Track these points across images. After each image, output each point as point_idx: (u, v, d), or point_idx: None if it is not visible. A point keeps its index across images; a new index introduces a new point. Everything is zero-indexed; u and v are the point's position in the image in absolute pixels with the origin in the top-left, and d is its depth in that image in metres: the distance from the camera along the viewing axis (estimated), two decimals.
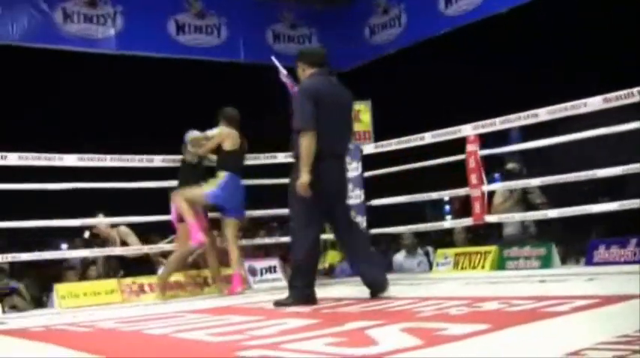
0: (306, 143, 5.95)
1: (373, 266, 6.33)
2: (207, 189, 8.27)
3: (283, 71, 9.74)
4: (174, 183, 8.81)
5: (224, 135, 8.46)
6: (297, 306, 5.78)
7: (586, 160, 8.12)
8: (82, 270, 10.17)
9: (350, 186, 9.23)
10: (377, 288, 6.13)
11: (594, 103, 7.38)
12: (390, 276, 7.63)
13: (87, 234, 9.80)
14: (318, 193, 5.98)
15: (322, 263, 10.27)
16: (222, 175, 8.29)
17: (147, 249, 9.24)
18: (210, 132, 8.53)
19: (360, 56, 11.98)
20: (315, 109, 5.98)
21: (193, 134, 8.68)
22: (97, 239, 9.57)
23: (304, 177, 5.92)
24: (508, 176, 8.93)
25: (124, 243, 9.37)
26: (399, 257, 10.50)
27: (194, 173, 8.65)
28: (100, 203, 9.67)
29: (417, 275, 9.18)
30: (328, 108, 6.06)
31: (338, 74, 11.87)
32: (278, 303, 5.99)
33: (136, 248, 9.21)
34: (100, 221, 9.36)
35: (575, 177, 7.72)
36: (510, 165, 8.71)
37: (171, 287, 8.61)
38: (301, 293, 6.01)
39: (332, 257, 10.70)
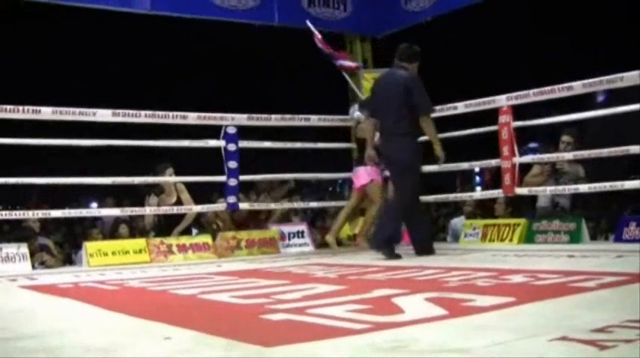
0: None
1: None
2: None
3: (318, 35, 9.74)
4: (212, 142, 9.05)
5: None
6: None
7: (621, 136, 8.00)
8: (113, 228, 10.20)
9: None
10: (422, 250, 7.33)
11: (631, 78, 7.28)
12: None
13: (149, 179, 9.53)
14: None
15: (352, 230, 10.25)
16: None
17: (176, 209, 9.22)
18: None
19: (395, 23, 11.86)
20: (371, 99, 7.72)
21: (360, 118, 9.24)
22: (160, 192, 9.47)
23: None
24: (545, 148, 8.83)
25: (179, 199, 9.36)
26: (458, 222, 10.21)
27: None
28: (130, 163, 9.71)
29: (445, 246, 9.15)
30: (378, 96, 7.49)
31: (372, 40, 11.87)
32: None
33: (166, 208, 9.21)
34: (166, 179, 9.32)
35: (608, 153, 7.63)
36: (565, 138, 8.55)
37: (200, 248, 8.70)
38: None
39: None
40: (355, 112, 9.41)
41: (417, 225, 7.51)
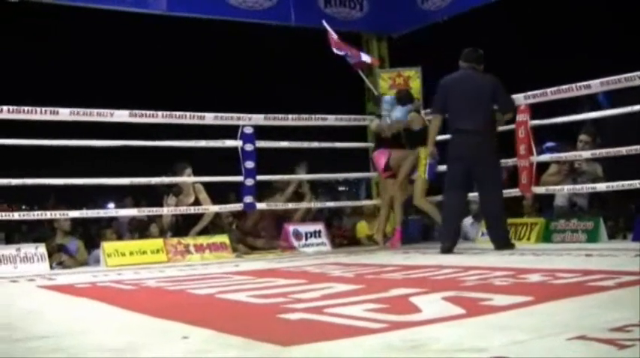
0: (431, 124, 8.07)
1: (495, 227, 7.69)
2: (424, 175, 9.04)
3: (334, 35, 9.74)
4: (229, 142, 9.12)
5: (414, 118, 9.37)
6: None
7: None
8: (143, 227, 10.24)
9: None
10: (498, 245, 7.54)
11: None
12: (432, 245, 7.67)
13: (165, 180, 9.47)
14: (451, 160, 7.71)
15: (371, 230, 10.23)
16: (425, 155, 8.85)
17: (193, 210, 9.21)
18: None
19: (411, 22, 11.82)
20: (441, 98, 7.75)
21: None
22: (178, 193, 9.43)
23: (428, 148, 8.16)
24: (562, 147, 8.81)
25: (196, 199, 9.37)
26: (466, 223, 10.21)
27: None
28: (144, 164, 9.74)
29: (461, 245, 9.13)
30: (454, 96, 7.63)
31: (388, 39, 11.84)
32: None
33: (183, 208, 9.20)
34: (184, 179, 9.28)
35: (626, 151, 7.59)
36: (583, 136, 8.52)
37: (217, 248, 8.73)
38: (441, 242, 7.69)
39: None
40: (388, 119, 9.44)
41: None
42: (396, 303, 3.62)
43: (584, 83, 7.89)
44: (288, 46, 15.19)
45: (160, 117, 8.72)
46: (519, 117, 8.39)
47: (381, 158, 9.32)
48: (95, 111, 8.35)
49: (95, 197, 18.25)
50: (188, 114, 8.84)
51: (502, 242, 7.54)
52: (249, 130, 9.10)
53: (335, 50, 9.75)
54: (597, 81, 7.76)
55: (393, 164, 9.25)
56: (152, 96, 16.41)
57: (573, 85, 8.01)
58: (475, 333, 2.77)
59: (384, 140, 9.43)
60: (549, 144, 9.09)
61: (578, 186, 8.30)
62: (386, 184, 9.57)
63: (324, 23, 9.87)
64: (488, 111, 7.67)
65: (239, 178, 9.11)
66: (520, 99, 8.40)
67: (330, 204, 11.02)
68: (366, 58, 10.04)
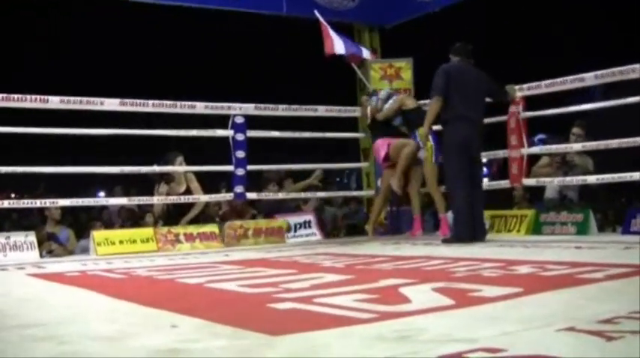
0: (432, 106, 7.70)
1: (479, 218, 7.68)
2: (432, 158, 8.70)
3: (326, 24, 9.71)
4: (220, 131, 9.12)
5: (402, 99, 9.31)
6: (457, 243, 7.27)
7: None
8: (138, 217, 10.23)
9: None
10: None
11: None
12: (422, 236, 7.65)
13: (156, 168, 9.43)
14: (456, 147, 7.51)
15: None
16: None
17: (184, 199, 9.19)
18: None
19: (403, 13, 11.80)
20: (445, 83, 7.55)
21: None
22: (170, 180, 9.37)
23: (424, 129, 7.95)
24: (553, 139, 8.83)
25: (188, 188, 9.35)
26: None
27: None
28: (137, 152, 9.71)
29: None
30: (457, 84, 7.57)
31: (380, 30, 11.83)
32: (445, 241, 7.63)
33: (174, 197, 9.17)
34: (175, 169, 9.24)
35: (617, 144, 7.60)
36: (576, 129, 8.52)
37: (207, 238, 8.72)
38: (459, 233, 7.51)
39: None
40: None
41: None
42: (385, 294, 3.63)
43: (578, 76, 7.90)
44: (281, 35, 15.15)
45: (150, 106, 8.71)
46: (512, 109, 8.38)
47: (381, 148, 9.12)
48: (85, 99, 8.31)
49: (86, 186, 18.18)
50: (179, 103, 8.84)
51: (484, 232, 7.68)
52: (240, 120, 9.09)
53: (327, 39, 9.72)
54: (591, 74, 7.77)
55: (392, 153, 8.98)
56: (144, 86, 16.34)
57: (567, 78, 8.02)
58: (464, 324, 2.77)
59: (381, 129, 9.27)
60: (541, 136, 9.10)
61: (568, 178, 8.31)
62: (385, 174, 9.26)
63: (317, 13, 9.86)
64: (484, 103, 7.84)
65: (230, 168, 9.10)
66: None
67: (321, 194, 10.98)
68: (366, 54, 10.07)
